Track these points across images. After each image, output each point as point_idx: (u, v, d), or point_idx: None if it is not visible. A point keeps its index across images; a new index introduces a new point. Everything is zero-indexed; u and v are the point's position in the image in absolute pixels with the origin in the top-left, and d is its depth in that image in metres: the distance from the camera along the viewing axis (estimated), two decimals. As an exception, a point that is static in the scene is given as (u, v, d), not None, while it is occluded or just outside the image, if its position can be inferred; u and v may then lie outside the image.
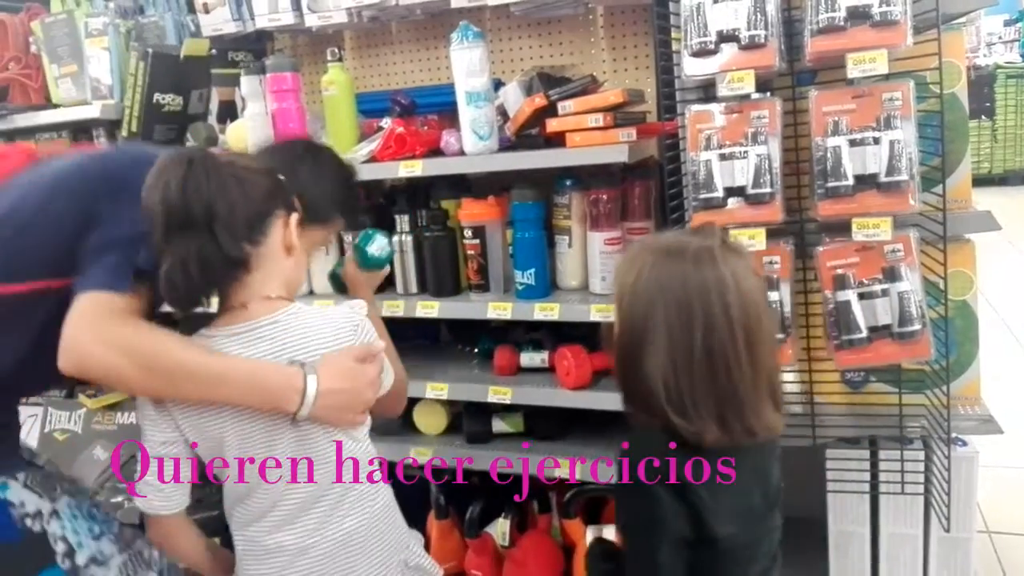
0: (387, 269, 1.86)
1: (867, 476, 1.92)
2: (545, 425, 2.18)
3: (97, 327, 1.19)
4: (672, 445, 1.12)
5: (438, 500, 2.24)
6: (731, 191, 1.60)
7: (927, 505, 1.90)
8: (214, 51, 2.39)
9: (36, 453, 1.62)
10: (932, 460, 1.86)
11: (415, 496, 2.45)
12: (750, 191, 1.57)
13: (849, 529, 1.96)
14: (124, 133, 2.32)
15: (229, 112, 2.48)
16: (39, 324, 1.25)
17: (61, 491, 1.43)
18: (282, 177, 1.36)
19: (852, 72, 1.49)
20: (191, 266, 1.17)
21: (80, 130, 2.59)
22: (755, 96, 1.61)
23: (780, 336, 1.67)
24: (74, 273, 1.22)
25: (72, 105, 2.44)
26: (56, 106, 2.49)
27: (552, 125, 1.89)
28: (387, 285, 2.28)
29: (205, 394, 1.25)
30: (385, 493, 1.41)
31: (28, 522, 1.37)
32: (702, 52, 1.56)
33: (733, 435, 1.10)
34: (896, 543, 1.95)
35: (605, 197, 1.99)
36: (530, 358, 2.15)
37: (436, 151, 2.14)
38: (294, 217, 1.33)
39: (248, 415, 1.26)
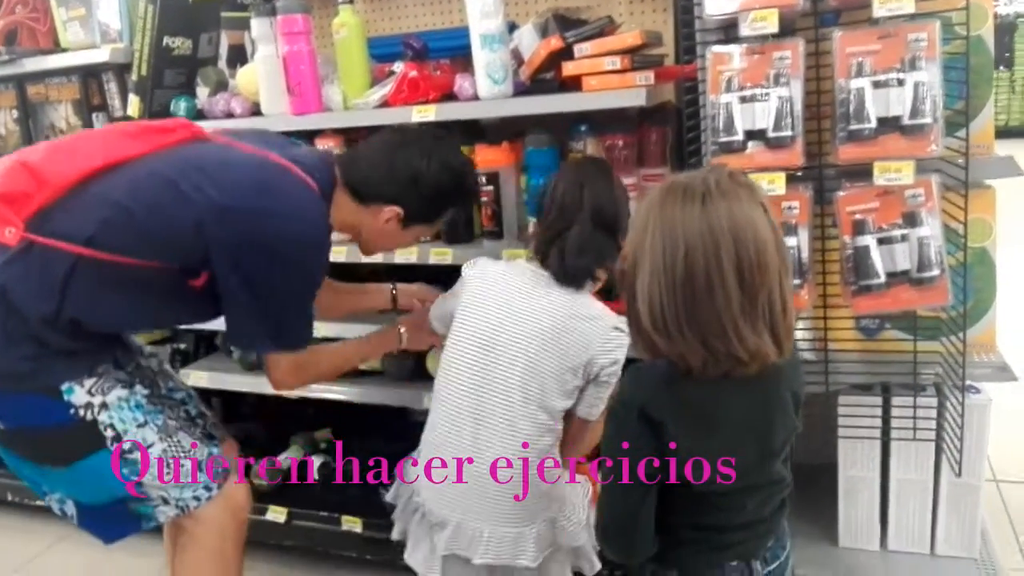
0: None
1: (879, 423, 1.93)
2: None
3: (292, 378, 1.71)
4: (659, 381, 1.17)
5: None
6: (751, 134, 1.57)
7: (938, 451, 1.91)
8: (223, -6, 2.36)
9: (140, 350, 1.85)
10: (945, 407, 1.87)
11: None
12: (771, 134, 1.55)
13: (859, 475, 1.98)
14: (134, 77, 2.28)
15: (239, 56, 2.44)
16: (150, 293, 1.57)
17: (114, 387, 1.60)
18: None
19: (878, 11, 1.46)
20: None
21: (89, 74, 2.56)
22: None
23: (796, 282, 1.66)
24: (183, 265, 1.54)
25: (80, 49, 2.41)
26: (64, 50, 2.46)
27: (568, 68, 1.86)
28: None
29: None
30: None
31: (81, 412, 1.55)
32: (724, -11, 1.52)
33: (718, 358, 1.11)
34: (906, 489, 1.96)
35: (621, 143, 1.97)
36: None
37: (449, 96, 2.11)
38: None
39: None
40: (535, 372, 1.57)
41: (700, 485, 1.17)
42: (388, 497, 1.90)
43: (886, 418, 1.93)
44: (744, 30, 1.51)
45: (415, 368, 2.31)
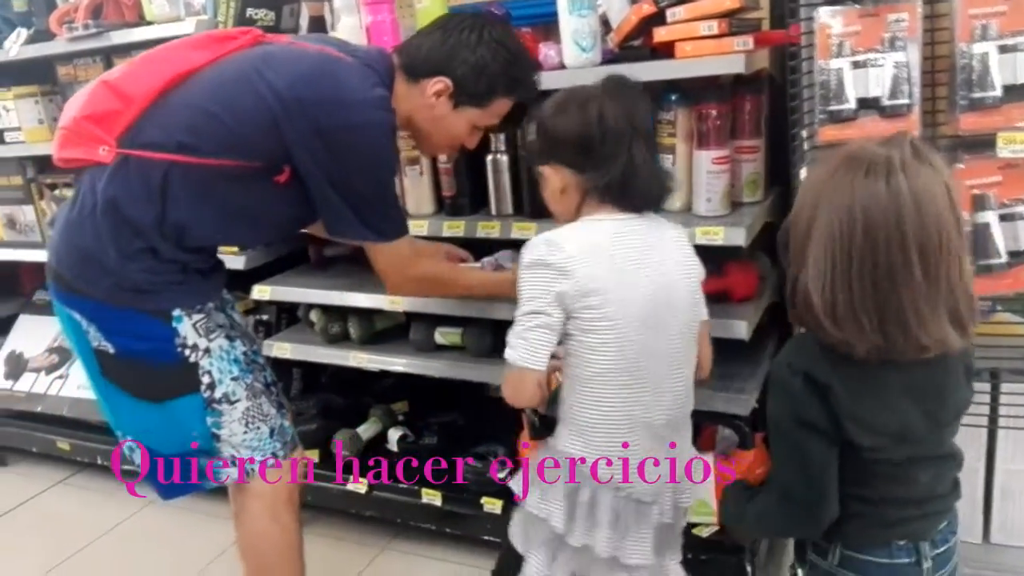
0: None
1: (986, 409, 1.83)
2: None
3: (397, 274, 1.79)
4: (820, 351, 1.13)
5: (532, 421, 2.23)
6: (864, 102, 1.48)
7: (1050, 441, 1.81)
8: (304, -34, 2.34)
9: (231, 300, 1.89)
10: (1061, 394, 1.76)
11: (509, 417, 2.46)
12: (886, 102, 1.45)
13: (964, 464, 1.88)
14: (217, 49, 2.29)
15: (319, 27, 2.42)
16: (240, 194, 1.61)
17: (219, 334, 1.69)
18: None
19: (1009, -32, 1.34)
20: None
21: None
22: None
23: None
24: (266, 161, 1.58)
25: (165, 22, 2.42)
26: (150, 23, 2.48)
27: (660, 34, 1.79)
28: (480, 206, 2.25)
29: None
30: None
31: (186, 352, 1.64)
32: (838, -52, 1.42)
33: (895, 347, 1.06)
34: (1012, 479, 1.87)
35: (715, 112, 1.88)
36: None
37: (533, 65, 2.05)
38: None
39: None
40: (690, 327, 1.47)
41: (867, 452, 1.13)
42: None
43: (994, 405, 1.83)
44: (860, -9, 1.42)
45: (494, 343, 2.28)
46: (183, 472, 1.72)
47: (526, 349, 1.38)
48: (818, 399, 1.12)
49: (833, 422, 1.13)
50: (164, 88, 1.58)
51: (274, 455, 1.74)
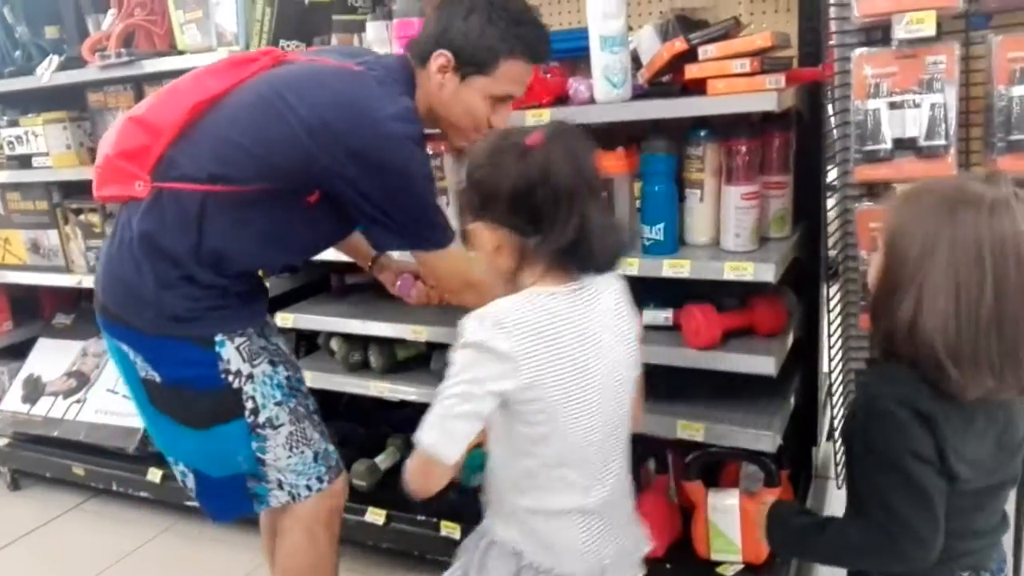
0: None
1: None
2: (665, 385, 2.12)
3: (460, 276, 1.69)
4: (919, 382, 1.13)
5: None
6: (900, 143, 1.48)
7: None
8: (335, -4, 2.37)
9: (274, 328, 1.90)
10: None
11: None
12: (922, 143, 1.46)
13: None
14: (248, 79, 2.31)
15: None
16: (269, 218, 1.60)
17: (263, 360, 1.68)
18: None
19: (1049, 12, 1.35)
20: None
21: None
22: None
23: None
24: (294, 185, 1.58)
25: (198, 52, 2.45)
26: (181, 53, 2.51)
27: (692, 71, 1.80)
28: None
29: None
30: None
31: (230, 378, 1.64)
32: (877, -10, 1.44)
33: (1005, 390, 1.08)
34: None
35: (744, 148, 1.89)
36: (653, 316, 2.08)
37: (561, 99, 2.07)
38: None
39: None
40: (630, 393, 1.37)
41: (960, 483, 1.13)
42: None
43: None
44: (899, 32, 1.42)
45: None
46: (233, 494, 1.74)
47: (445, 437, 1.19)
48: (927, 431, 1.12)
49: (939, 454, 1.12)
50: (189, 118, 1.59)
51: (319, 479, 1.76)
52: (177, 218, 1.56)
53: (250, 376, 1.66)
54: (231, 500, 1.76)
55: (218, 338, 1.63)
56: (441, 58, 1.61)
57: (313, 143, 1.52)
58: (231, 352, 1.64)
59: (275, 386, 1.70)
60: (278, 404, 1.70)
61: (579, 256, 1.23)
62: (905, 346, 1.12)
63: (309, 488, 1.74)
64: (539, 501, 1.30)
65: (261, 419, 1.67)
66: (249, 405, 1.66)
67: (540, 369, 1.19)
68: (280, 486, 1.72)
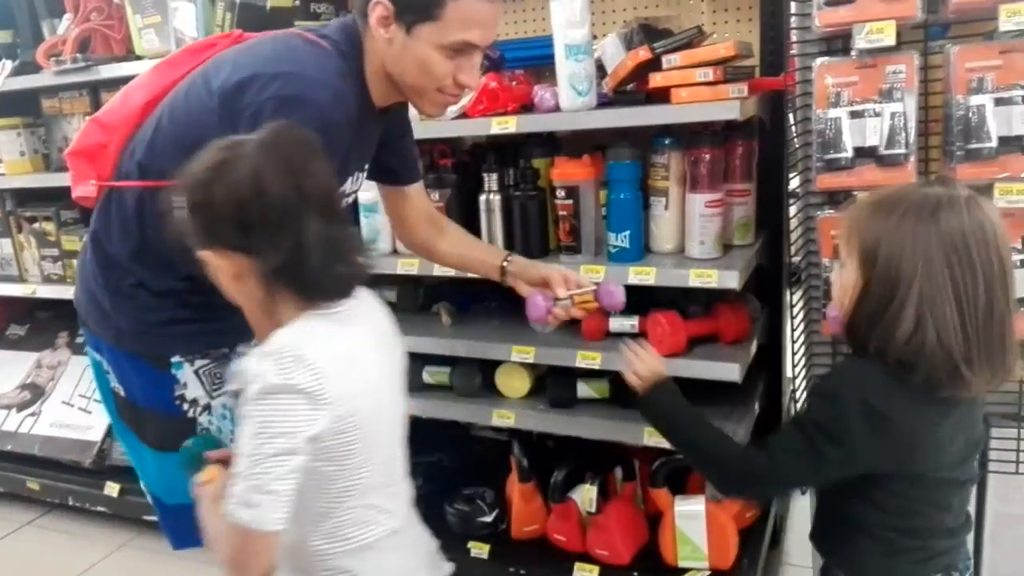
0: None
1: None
2: (631, 392, 2.12)
3: None
4: (887, 381, 1.14)
5: (521, 463, 2.20)
6: (861, 151, 1.50)
7: (1040, 486, 1.82)
8: (298, 1, 2.33)
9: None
10: (1051, 440, 1.78)
11: (496, 458, 2.43)
12: (883, 151, 1.48)
13: (954, 508, 1.89)
14: (208, 85, 2.27)
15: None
16: None
17: (224, 391, 1.52)
18: None
19: (1004, 25, 1.38)
20: None
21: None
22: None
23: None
24: None
25: (156, 57, 2.40)
26: (140, 58, 2.47)
27: (656, 80, 1.80)
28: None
29: None
30: None
31: (184, 405, 1.52)
32: (837, 1, 1.45)
33: (999, 378, 1.11)
34: (1003, 524, 1.87)
35: (708, 157, 1.90)
36: (620, 323, 2.08)
37: (527, 107, 2.07)
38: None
39: None
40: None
41: (918, 479, 1.15)
42: None
43: (984, 450, 1.84)
44: (859, 42, 1.44)
45: (483, 383, 2.26)
46: (184, 524, 1.59)
47: (273, 506, 1.05)
48: (874, 435, 1.12)
49: (884, 457, 1.14)
50: (140, 114, 1.49)
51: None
52: (119, 218, 1.46)
53: (207, 407, 1.53)
54: (183, 529, 1.63)
55: (174, 359, 1.50)
56: (378, 7, 1.35)
57: (223, 111, 1.32)
58: (189, 376, 1.51)
59: (234, 420, 1.54)
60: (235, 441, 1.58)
61: (298, 280, 1.12)
62: (907, 356, 1.10)
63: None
64: (352, 540, 1.18)
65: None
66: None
67: (349, 396, 1.10)
68: None
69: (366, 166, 1.62)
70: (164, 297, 1.49)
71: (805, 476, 1.26)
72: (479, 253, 1.82)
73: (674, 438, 1.37)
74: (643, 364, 1.40)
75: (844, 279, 1.18)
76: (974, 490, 1.85)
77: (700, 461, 1.38)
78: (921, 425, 1.13)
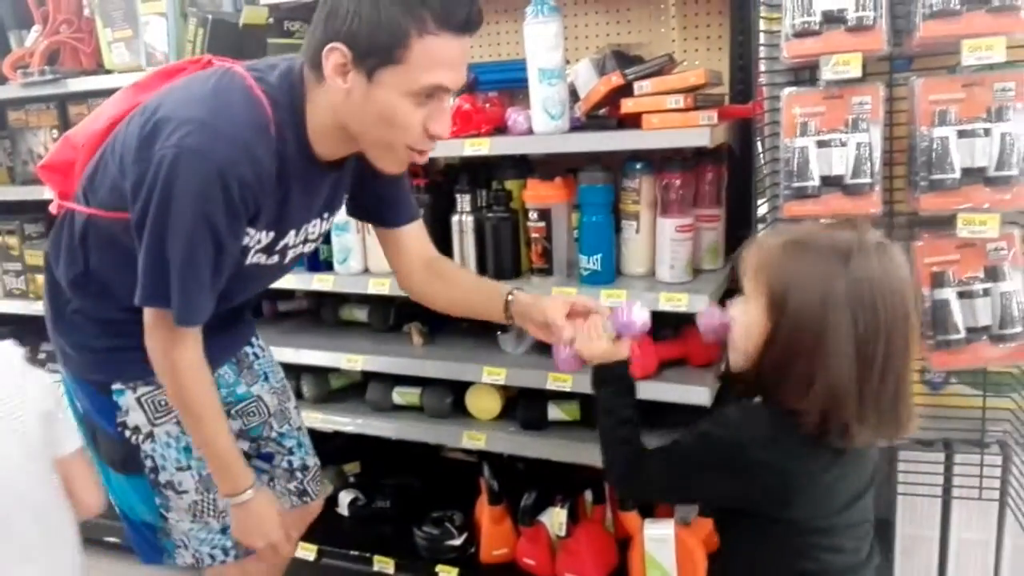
0: None
1: (940, 480, 1.86)
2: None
3: (163, 355, 1.37)
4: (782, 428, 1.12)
5: (491, 486, 2.19)
6: (827, 180, 1.52)
7: (1002, 511, 1.84)
8: (271, 19, 2.33)
9: None
10: (1011, 465, 1.81)
11: (465, 480, 2.42)
12: (848, 181, 1.50)
13: (918, 533, 1.91)
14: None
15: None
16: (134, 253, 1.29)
17: (168, 418, 1.49)
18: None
19: (967, 59, 1.41)
20: None
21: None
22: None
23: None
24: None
25: (126, 71, 2.38)
26: (109, 72, 2.44)
27: (628, 106, 1.82)
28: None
29: None
30: None
31: (127, 432, 1.48)
32: (805, 32, 1.48)
33: (889, 432, 1.09)
34: (967, 549, 1.89)
35: (678, 182, 1.92)
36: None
37: (500, 129, 2.07)
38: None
39: None
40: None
41: (805, 523, 1.14)
42: None
43: (948, 475, 1.86)
44: (826, 73, 1.47)
45: (453, 404, 2.26)
46: (146, 540, 1.61)
47: None
48: (761, 481, 1.13)
49: (774, 501, 1.14)
50: (103, 137, 1.40)
51: (224, 551, 1.58)
52: (67, 242, 1.42)
53: (150, 435, 1.49)
54: (147, 545, 1.64)
55: (115, 386, 1.46)
56: (334, 54, 1.21)
57: (138, 156, 1.25)
58: (131, 403, 1.47)
59: (181, 450, 1.51)
60: (182, 469, 1.51)
61: None
62: (799, 406, 1.09)
63: (213, 557, 1.58)
64: None
65: (162, 479, 1.52)
66: (148, 463, 1.51)
67: None
68: (185, 546, 1.58)
69: (327, 214, 1.51)
70: (105, 324, 1.44)
71: (673, 493, 1.37)
72: (480, 298, 1.64)
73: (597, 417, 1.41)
74: (590, 349, 1.40)
75: (748, 318, 1.15)
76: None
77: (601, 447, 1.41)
78: (802, 473, 1.12)
